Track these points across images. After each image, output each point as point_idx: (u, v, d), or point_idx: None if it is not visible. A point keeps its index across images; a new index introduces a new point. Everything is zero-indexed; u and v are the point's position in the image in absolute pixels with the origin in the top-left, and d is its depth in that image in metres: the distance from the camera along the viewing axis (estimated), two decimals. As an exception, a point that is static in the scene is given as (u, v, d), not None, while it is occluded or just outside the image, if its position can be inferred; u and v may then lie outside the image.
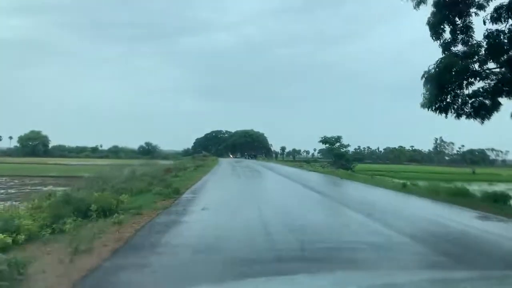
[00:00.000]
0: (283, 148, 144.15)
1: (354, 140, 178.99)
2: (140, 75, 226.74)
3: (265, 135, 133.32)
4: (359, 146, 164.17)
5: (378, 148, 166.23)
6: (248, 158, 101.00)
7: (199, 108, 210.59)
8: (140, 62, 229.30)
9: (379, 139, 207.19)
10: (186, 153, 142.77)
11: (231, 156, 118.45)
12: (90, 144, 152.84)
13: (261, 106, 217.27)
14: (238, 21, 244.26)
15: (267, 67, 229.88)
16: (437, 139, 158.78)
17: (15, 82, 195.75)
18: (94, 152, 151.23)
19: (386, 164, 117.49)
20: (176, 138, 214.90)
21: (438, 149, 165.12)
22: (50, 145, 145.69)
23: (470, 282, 2.04)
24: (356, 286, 1.95)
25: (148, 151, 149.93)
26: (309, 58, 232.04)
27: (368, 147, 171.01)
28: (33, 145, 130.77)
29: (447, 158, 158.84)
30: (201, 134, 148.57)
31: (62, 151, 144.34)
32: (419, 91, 13.92)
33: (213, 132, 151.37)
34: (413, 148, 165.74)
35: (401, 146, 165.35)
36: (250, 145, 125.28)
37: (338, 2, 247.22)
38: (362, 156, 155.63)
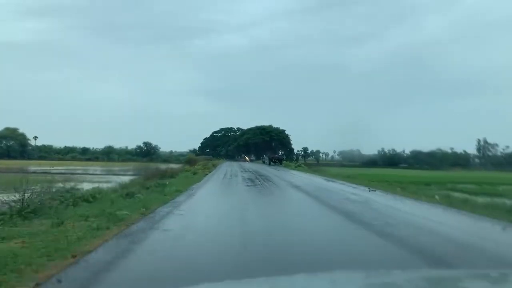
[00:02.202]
0: (305, 149, 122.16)
1: (374, 141, 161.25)
2: (149, 77, 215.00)
3: (286, 132, 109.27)
4: (382, 148, 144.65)
5: (403, 151, 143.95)
6: (270, 163, 63.50)
7: (210, 109, 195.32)
8: (150, 64, 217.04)
9: (401, 141, 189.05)
10: (192, 154, 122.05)
11: (246, 158, 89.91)
12: (96, 145, 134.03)
13: (274, 107, 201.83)
14: (249, 22, 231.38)
15: (279, 68, 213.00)
16: (480, 140, 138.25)
17: (27, 84, 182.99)
18: (84, 153, 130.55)
19: (432, 170, 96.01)
20: (185, 140, 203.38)
21: (482, 151, 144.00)
22: (35, 145, 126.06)
23: (469, 282, 2.04)
24: (355, 285, 1.95)
25: (147, 153, 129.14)
26: (322, 59, 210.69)
27: (393, 149, 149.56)
28: (8, 145, 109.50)
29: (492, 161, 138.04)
30: (209, 134, 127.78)
31: (46, 152, 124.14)
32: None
33: (221, 129, 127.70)
34: (453, 150, 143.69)
35: (440, 149, 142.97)
36: (267, 145, 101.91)
37: (351, 2, 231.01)
38: (398, 159, 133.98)
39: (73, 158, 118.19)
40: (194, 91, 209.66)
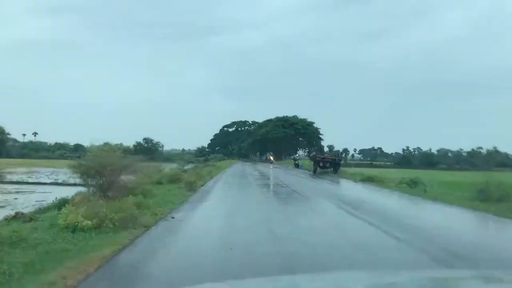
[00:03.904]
0: (330, 147, 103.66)
1: (396, 140, 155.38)
2: (165, 74, 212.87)
3: (315, 125, 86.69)
4: (407, 147, 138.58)
5: (430, 149, 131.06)
6: (315, 170, 34.88)
7: (226, 107, 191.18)
8: (167, 62, 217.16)
9: (424, 140, 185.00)
10: (200, 152, 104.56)
11: (271, 158, 60.62)
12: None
13: (291, 104, 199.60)
14: (267, 19, 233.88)
15: (297, 65, 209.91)
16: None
17: (43, 83, 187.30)
18: (76, 150, 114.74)
19: (483, 171, 78.97)
20: (200, 138, 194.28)
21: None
22: (22, 142, 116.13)
23: (471, 282, 2.06)
24: (359, 285, 1.97)
25: (147, 150, 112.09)
26: (341, 56, 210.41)
27: (418, 148, 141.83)
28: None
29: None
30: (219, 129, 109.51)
31: (33, 150, 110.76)
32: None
33: (234, 123, 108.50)
34: (496, 149, 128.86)
35: (480, 148, 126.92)
36: (291, 140, 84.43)
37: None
38: (436, 159, 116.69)
39: (61, 156, 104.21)
40: (210, 88, 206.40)
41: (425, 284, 1.98)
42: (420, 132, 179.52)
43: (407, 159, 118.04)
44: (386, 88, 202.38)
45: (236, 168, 45.98)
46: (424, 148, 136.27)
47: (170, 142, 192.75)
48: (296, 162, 50.03)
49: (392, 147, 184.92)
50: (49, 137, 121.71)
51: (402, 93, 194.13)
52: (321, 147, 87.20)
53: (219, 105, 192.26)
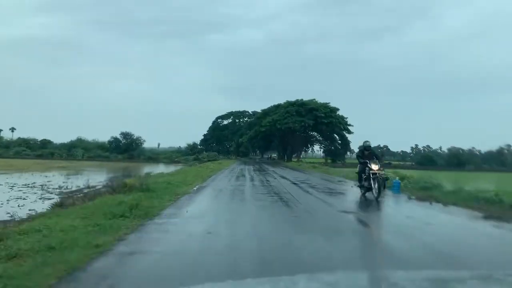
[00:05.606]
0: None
1: (401, 137, 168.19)
2: (165, 73, 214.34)
3: (339, 112, 63.61)
4: (416, 145, 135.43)
5: (440, 148, 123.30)
6: None
7: (226, 105, 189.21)
8: (166, 60, 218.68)
9: (428, 138, 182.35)
10: (191, 150, 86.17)
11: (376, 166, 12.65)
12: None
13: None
14: (267, 16, 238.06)
15: (297, 63, 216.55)
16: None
17: (42, 80, 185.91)
18: (43, 147, 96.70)
19: None
20: (193, 136, 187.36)
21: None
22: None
23: (470, 282, 2.08)
24: (358, 286, 2.00)
25: (126, 147, 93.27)
26: (341, 54, 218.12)
27: (428, 146, 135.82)
28: None
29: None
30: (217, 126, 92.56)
31: None
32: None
33: (230, 114, 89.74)
34: None
35: (509, 145, 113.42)
36: (301, 133, 67.22)
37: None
38: (465, 159, 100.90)
39: (17, 154, 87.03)
40: (209, 86, 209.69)
41: (425, 285, 1.99)
42: (425, 129, 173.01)
43: (430, 159, 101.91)
44: (389, 86, 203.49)
45: (217, 193, 14.62)
46: (434, 146, 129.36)
47: (167, 140, 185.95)
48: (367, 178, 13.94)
49: (398, 145, 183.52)
50: (37, 135, 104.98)
51: (406, 91, 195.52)
52: (347, 143, 67.88)
53: (218, 103, 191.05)
